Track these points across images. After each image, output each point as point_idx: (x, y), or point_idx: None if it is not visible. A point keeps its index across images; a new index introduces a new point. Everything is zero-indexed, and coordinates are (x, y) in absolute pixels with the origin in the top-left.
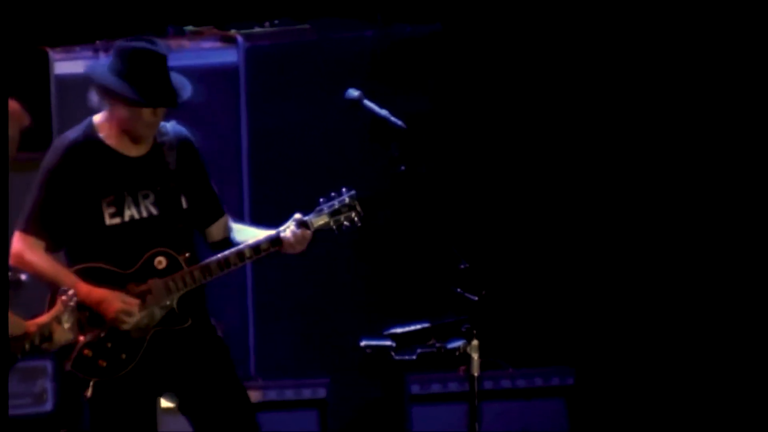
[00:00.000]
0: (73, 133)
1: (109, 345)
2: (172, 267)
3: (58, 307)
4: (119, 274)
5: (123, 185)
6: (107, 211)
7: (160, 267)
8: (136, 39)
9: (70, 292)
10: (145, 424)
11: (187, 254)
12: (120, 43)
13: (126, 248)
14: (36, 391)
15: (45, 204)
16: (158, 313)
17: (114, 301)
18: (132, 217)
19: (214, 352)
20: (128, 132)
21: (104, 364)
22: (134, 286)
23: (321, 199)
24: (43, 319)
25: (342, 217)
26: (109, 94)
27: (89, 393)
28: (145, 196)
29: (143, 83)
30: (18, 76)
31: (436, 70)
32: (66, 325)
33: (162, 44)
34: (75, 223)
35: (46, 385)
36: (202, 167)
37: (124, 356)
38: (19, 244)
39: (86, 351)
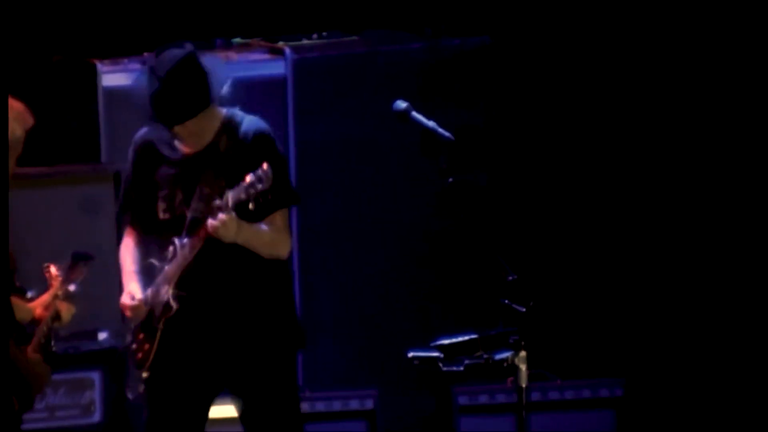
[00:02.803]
0: (147, 126)
1: (141, 337)
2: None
3: (52, 284)
4: (157, 267)
5: (176, 181)
6: (161, 206)
7: (170, 257)
8: (163, 47)
9: (51, 267)
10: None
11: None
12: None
13: (169, 242)
14: (84, 403)
15: (125, 194)
16: (169, 300)
17: (123, 296)
18: (182, 213)
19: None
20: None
21: (140, 356)
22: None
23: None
24: (45, 298)
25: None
26: None
27: (141, 389)
28: (193, 193)
29: (151, 99)
30: (66, 89)
31: (485, 82)
32: (66, 301)
33: (188, 46)
34: (146, 214)
35: (94, 396)
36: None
37: (146, 347)
38: (125, 232)
39: (133, 346)
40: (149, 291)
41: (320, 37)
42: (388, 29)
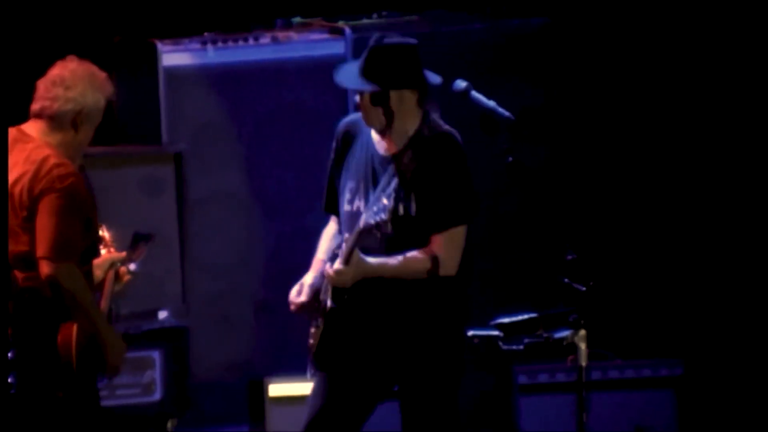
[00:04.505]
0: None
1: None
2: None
3: (106, 247)
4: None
5: (363, 176)
6: (345, 197)
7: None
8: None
9: (104, 229)
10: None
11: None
12: None
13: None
14: (145, 382)
15: (329, 180)
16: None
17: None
18: (359, 209)
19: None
20: None
21: (311, 342)
22: None
23: None
24: (101, 260)
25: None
26: None
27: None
28: (375, 194)
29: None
30: (127, 68)
31: (545, 63)
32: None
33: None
34: (336, 201)
35: (155, 375)
36: (438, 177)
37: (316, 335)
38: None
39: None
40: (318, 282)
41: (380, 16)
42: (448, 9)
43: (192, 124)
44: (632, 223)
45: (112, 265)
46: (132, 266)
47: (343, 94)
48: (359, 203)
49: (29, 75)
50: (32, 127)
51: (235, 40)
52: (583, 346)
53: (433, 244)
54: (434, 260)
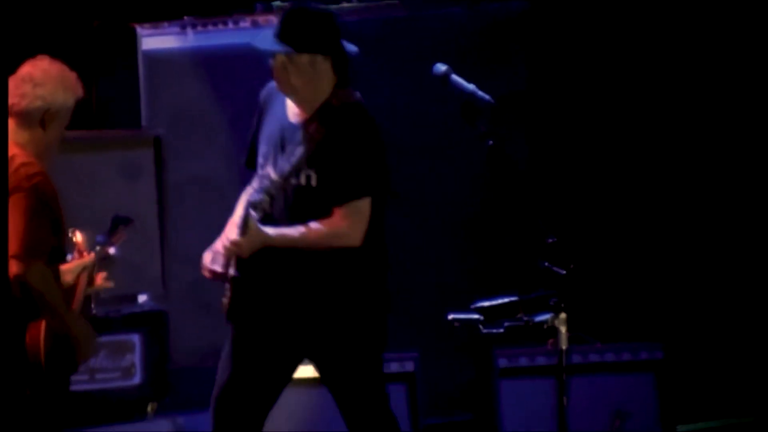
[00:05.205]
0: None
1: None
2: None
3: (78, 251)
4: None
5: (273, 143)
6: (259, 161)
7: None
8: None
9: (77, 233)
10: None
11: (258, 216)
12: None
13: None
14: (124, 365)
15: (253, 133)
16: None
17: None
18: (268, 175)
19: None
20: None
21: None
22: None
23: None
24: (72, 266)
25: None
26: None
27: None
28: (278, 160)
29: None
30: (106, 53)
31: (525, 47)
32: (104, 266)
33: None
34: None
35: (135, 359)
36: (341, 148)
37: (228, 296)
38: None
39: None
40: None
41: (360, 1)
42: None
43: (171, 108)
44: (612, 207)
45: (84, 269)
46: (111, 250)
47: None
48: (269, 169)
49: (9, 62)
50: None
51: (215, 24)
52: (563, 329)
53: (334, 216)
54: (335, 232)
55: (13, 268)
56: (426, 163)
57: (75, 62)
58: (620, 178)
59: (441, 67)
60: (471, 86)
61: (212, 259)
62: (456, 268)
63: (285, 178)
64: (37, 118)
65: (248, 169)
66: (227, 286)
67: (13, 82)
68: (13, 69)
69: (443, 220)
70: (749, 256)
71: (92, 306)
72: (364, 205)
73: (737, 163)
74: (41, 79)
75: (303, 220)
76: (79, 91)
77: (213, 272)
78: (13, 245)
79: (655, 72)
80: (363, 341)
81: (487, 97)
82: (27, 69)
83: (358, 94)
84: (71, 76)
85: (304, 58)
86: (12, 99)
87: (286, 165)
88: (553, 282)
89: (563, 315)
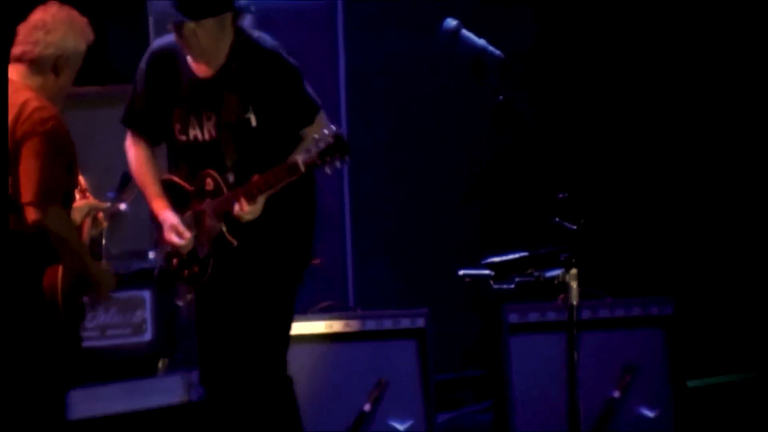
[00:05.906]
0: (163, 39)
1: (184, 257)
2: (218, 190)
3: (82, 193)
4: (185, 190)
5: (189, 104)
6: (176, 126)
7: (209, 189)
8: None
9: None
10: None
11: (231, 177)
12: None
13: (191, 166)
14: (135, 322)
15: (135, 101)
16: (214, 233)
17: (166, 229)
18: (195, 138)
19: (248, 282)
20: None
21: (186, 273)
22: (196, 203)
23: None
24: (79, 204)
25: (328, 158)
26: None
27: (189, 297)
28: (208, 118)
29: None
30: (115, 11)
31: (536, 4)
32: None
33: None
34: (158, 128)
35: (145, 315)
36: (280, 82)
37: (196, 269)
38: (128, 138)
39: (174, 260)
40: (190, 219)
41: None
42: None
43: None
44: (622, 161)
45: (90, 210)
46: (122, 206)
47: (333, 39)
48: (195, 132)
49: (14, 19)
50: (13, 71)
51: None
52: (574, 285)
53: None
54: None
55: (31, 214)
56: (437, 119)
57: (84, 18)
58: (631, 132)
59: (451, 22)
60: (481, 41)
61: (179, 233)
62: (467, 224)
63: (222, 131)
64: (50, 65)
65: (123, 125)
66: (202, 249)
67: (24, 29)
68: (23, 17)
69: (454, 176)
70: (760, 212)
71: (102, 244)
72: (321, 116)
73: (748, 114)
74: (52, 26)
75: (252, 163)
76: (90, 36)
77: (189, 241)
78: (29, 191)
79: (665, 33)
80: (289, 249)
81: (497, 52)
82: (38, 15)
83: (256, 33)
84: (82, 20)
85: (211, 21)
86: (24, 46)
87: (215, 119)
88: (564, 237)
89: (574, 270)
